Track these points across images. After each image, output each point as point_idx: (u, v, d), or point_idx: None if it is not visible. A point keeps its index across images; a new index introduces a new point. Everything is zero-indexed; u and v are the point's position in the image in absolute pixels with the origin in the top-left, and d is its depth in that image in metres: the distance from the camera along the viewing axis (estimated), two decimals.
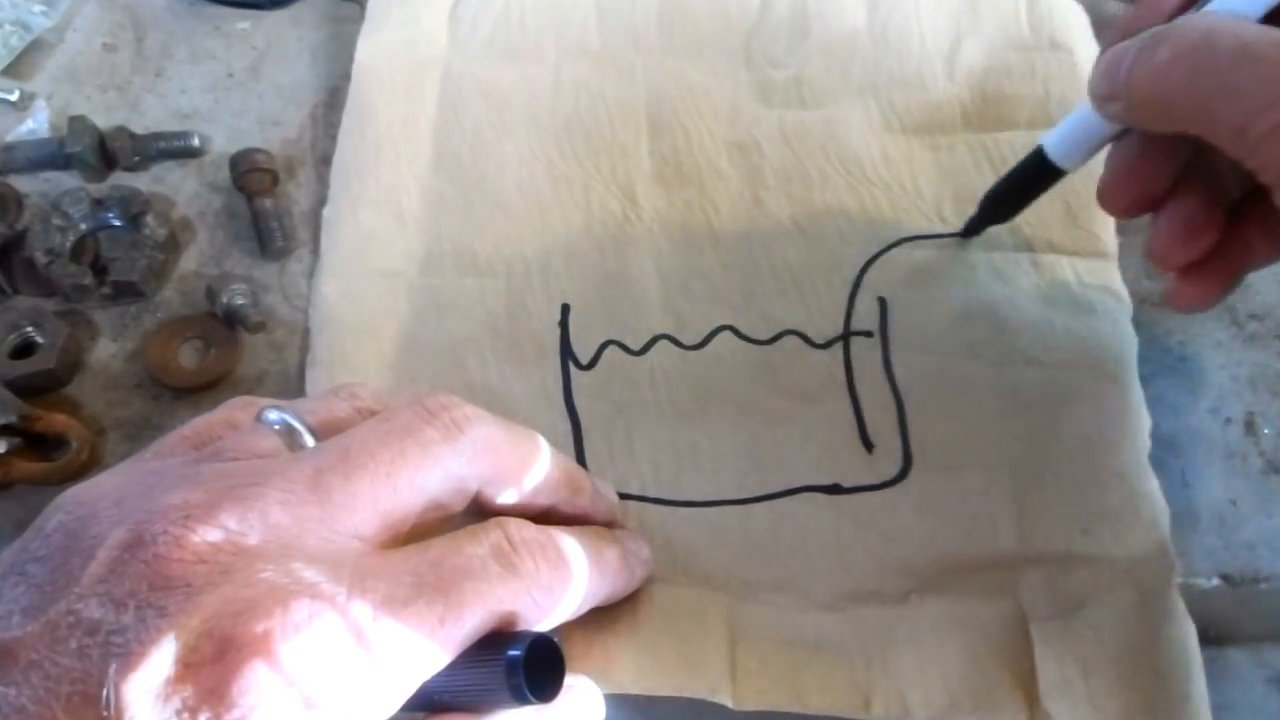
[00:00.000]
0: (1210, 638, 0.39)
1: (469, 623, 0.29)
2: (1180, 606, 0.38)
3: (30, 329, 0.45)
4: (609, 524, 0.38)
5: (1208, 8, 0.33)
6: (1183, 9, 0.34)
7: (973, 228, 0.45)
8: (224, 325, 0.46)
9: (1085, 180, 0.46)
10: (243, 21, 0.54)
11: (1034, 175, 0.41)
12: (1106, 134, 0.38)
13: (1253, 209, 0.36)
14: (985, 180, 0.46)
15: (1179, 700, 0.36)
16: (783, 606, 0.39)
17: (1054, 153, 0.40)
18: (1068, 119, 0.39)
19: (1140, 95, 0.31)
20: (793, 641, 0.38)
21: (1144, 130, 0.34)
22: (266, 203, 0.48)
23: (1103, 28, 0.51)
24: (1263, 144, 0.28)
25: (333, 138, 0.49)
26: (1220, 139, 0.30)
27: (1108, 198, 0.38)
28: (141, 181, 0.49)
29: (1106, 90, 0.34)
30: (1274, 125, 0.28)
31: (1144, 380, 0.43)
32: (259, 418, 0.32)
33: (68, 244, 0.46)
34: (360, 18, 0.52)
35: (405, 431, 0.31)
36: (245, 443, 0.31)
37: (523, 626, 0.31)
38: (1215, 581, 0.41)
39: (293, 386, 0.45)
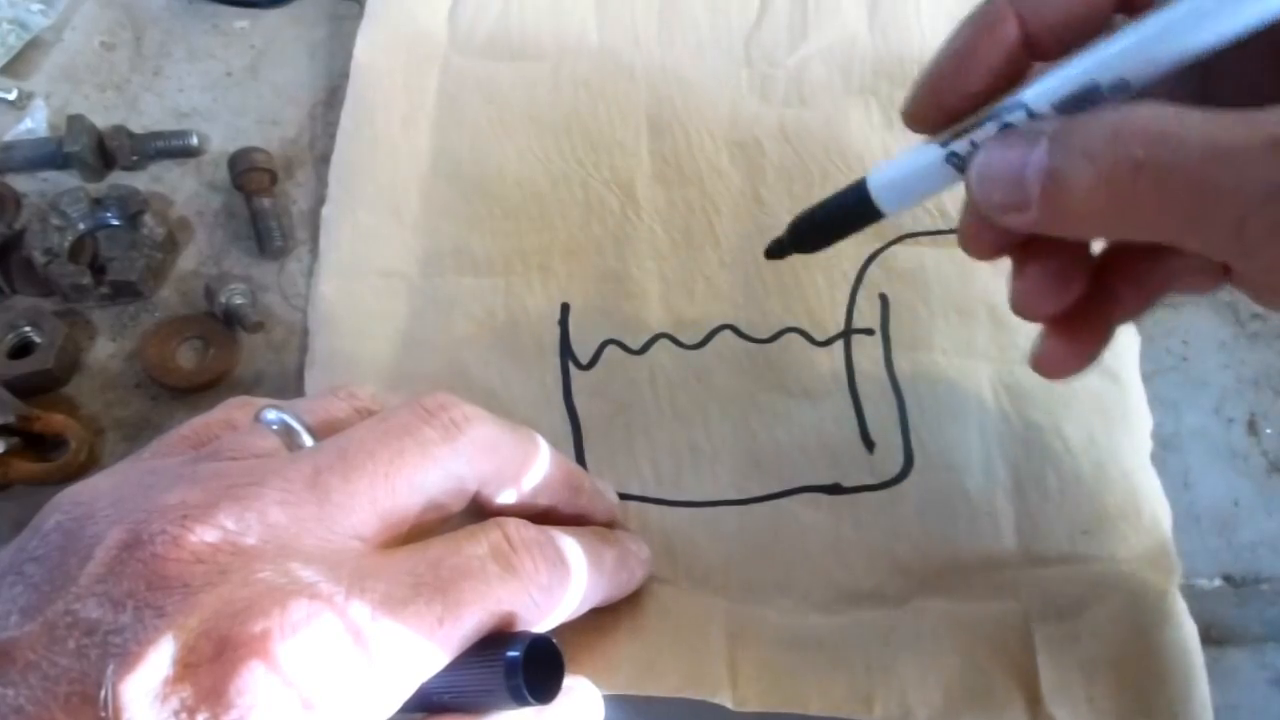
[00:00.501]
0: (1212, 639, 0.39)
1: (468, 623, 0.29)
2: (1182, 607, 0.38)
3: (28, 329, 0.44)
4: (608, 524, 0.38)
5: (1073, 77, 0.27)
6: (988, 89, 0.30)
7: (775, 252, 0.38)
8: (222, 325, 0.46)
9: None
10: (241, 20, 0.54)
11: (852, 212, 0.35)
12: (944, 188, 0.32)
13: (1119, 263, 0.33)
14: None
15: (1181, 702, 0.36)
16: (783, 607, 0.39)
17: (879, 195, 0.33)
18: (903, 164, 0.32)
19: (1082, 207, 0.27)
20: (793, 642, 0.38)
21: (1055, 235, 0.29)
22: (265, 202, 0.48)
23: None
24: (1261, 245, 0.24)
25: (332, 136, 0.49)
26: (1203, 245, 0.26)
27: (966, 243, 0.34)
28: (140, 181, 0.49)
29: (1008, 200, 0.28)
30: (1273, 222, 0.24)
31: (1146, 379, 0.43)
32: (257, 418, 0.32)
33: (66, 243, 0.46)
34: (359, 16, 0.52)
35: (404, 431, 0.31)
36: (243, 442, 0.31)
37: (522, 627, 0.31)
38: (1217, 582, 0.41)
39: (291, 386, 0.44)
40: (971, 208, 0.33)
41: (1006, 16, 0.29)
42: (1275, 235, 0.24)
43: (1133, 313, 0.34)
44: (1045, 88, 0.28)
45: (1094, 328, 0.34)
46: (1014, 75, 0.30)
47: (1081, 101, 0.27)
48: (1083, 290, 0.33)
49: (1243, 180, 0.24)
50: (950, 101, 0.31)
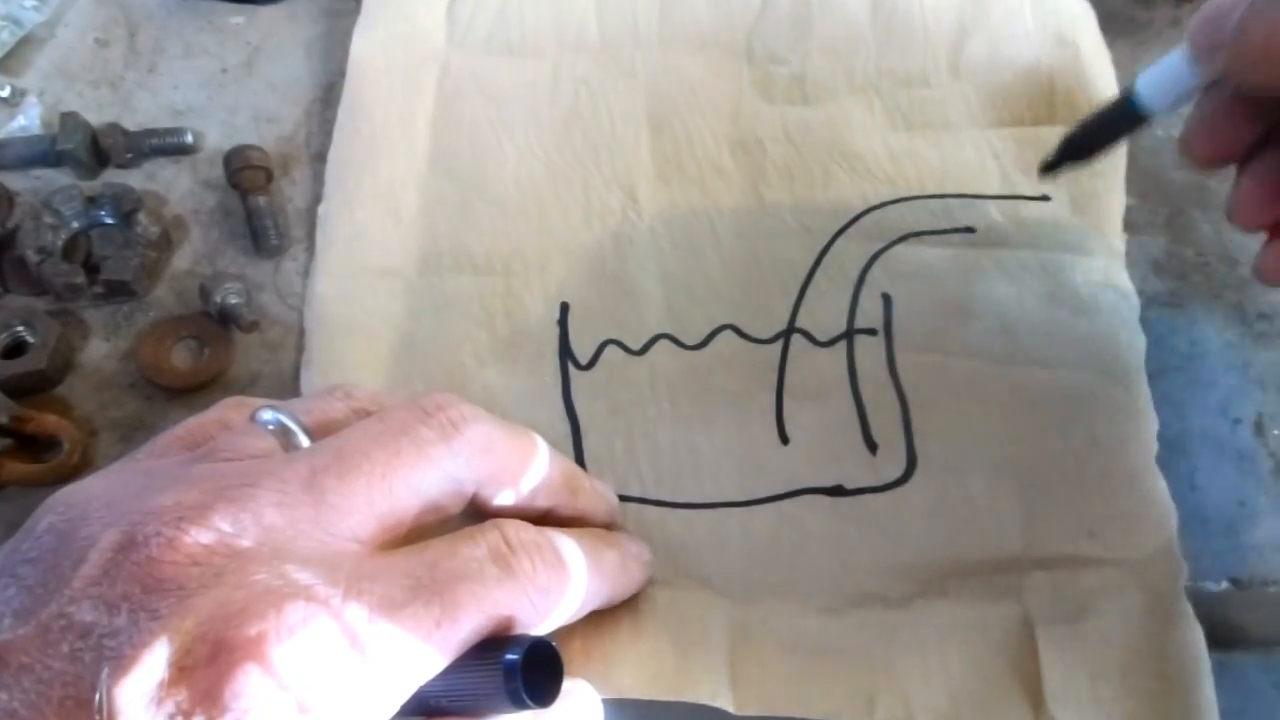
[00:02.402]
0: (1218, 642, 0.38)
1: (466, 626, 0.29)
2: (1188, 610, 0.38)
3: (21, 329, 0.44)
4: (608, 526, 0.38)
5: None
6: None
7: (1049, 167, 0.41)
8: (218, 325, 0.45)
9: (1092, 178, 0.46)
10: (237, 16, 0.54)
11: (1120, 118, 0.39)
12: (1198, 83, 0.36)
13: None
14: (990, 176, 0.46)
15: (1187, 705, 0.36)
16: (785, 610, 0.39)
17: (1145, 97, 0.37)
18: (1161, 63, 0.36)
19: (1256, 51, 0.30)
20: (795, 646, 0.38)
21: (1243, 87, 0.33)
22: (261, 200, 0.48)
23: (1108, 23, 0.51)
24: None
25: (328, 134, 0.49)
26: None
27: (1189, 147, 0.37)
28: (134, 179, 0.49)
29: (1208, 41, 0.32)
30: None
31: (1151, 380, 0.43)
32: (253, 418, 0.32)
33: (59, 242, 0.46)
34: (356, 12, 0.52)
35: (401, 431, 0.31)
36: (239, 443, 0.31)
37: (520, 630, 0.30)
38: (1224, 585, 0.41)
39: (287, 386, 0.44)
40: (1193, 118, 0.37)
41: None
42: None
43: None
44: None
45: None
46: None
47: None
48: None
49: None
50: None
